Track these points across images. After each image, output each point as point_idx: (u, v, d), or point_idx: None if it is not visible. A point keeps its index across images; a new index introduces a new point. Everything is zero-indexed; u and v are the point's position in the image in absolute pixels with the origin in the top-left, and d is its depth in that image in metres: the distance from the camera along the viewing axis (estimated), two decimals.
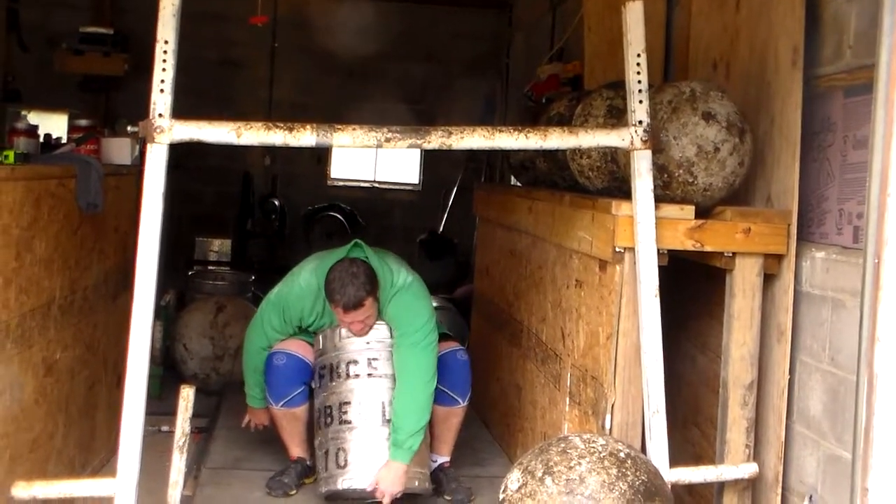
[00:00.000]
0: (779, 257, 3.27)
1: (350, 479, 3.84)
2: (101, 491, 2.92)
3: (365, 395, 3.91)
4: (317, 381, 4.04)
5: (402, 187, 10.36)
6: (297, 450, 4.18)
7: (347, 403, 3.91)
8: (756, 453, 3.31)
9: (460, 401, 4.14)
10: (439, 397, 3.98)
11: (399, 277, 4.01)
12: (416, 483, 3.90)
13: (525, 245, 4.56)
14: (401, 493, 3.84)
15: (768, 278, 3.30)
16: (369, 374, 3.93)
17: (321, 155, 9.97)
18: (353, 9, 9.04)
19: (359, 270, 3.84)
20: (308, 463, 4.15)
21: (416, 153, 10.09)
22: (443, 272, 8.92)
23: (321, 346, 4.04)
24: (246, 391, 4.29)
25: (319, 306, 4.05)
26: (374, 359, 3.95)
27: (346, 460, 3.86)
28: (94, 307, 4.34)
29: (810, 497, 3.13)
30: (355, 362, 3.94)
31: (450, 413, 4.15)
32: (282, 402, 4.06)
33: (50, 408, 3.83)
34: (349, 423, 3.89)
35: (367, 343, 3.96)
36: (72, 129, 4.77)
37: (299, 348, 4.09)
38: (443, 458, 4.22)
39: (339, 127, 2.96)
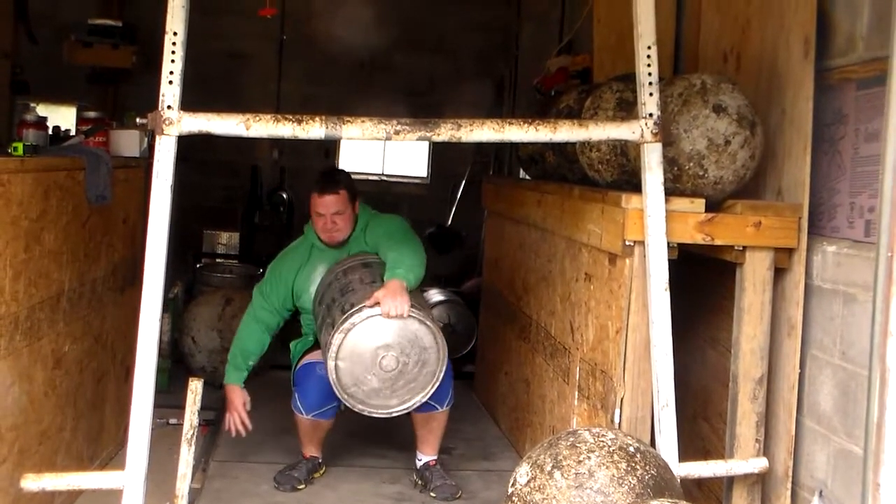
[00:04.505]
0: (789, 251, 3.26)
1: (359, 311, 3.78)
2: (109, 483, 2.92)
3: (367, 280, 3.99)
4: (316, 308, 4.12)
5: (410, 181, 10.34)
6: (311, 449, 4.21)
7: (349, 283, 4.01)
8: (766, 448, 3.30)
9: (438, 407, 4.08)
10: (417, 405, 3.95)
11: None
12: (418, 311, 3.81)
13: (534, 238, 4.54)
14: (406, 314, 3.73)
15: (779, 272, 3.29)
16: (372, 283, 3.98)
17: (329, 148, 9.94)
18: (362, 0, 9.01)
19: (342, 172, 4.48)
20: (319, 461, 4.16)
21: (425, 146, 10.07)
22: (451, 266, 8.90)
23: (316, 287, 4.18)
24: (228, 367, 4.31)
25: (305, 254, 4.32)
26: (373, 282, 3.97)
27: (352, 303, 3.85)
28: (102, 300, 4.34)
29: (820, 492, 3.11)
30: (354, 275, 4.08)
31: (429, 418, 4.12)
32: (313, 413, 4.08)
33: (59, 400, 3.83)
34: (353, 290, 3.95)
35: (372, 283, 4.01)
36: (80, 121, 4.76)
37: None
38: (428, 457, 4.20)
39: (349, 119, 2.95)
